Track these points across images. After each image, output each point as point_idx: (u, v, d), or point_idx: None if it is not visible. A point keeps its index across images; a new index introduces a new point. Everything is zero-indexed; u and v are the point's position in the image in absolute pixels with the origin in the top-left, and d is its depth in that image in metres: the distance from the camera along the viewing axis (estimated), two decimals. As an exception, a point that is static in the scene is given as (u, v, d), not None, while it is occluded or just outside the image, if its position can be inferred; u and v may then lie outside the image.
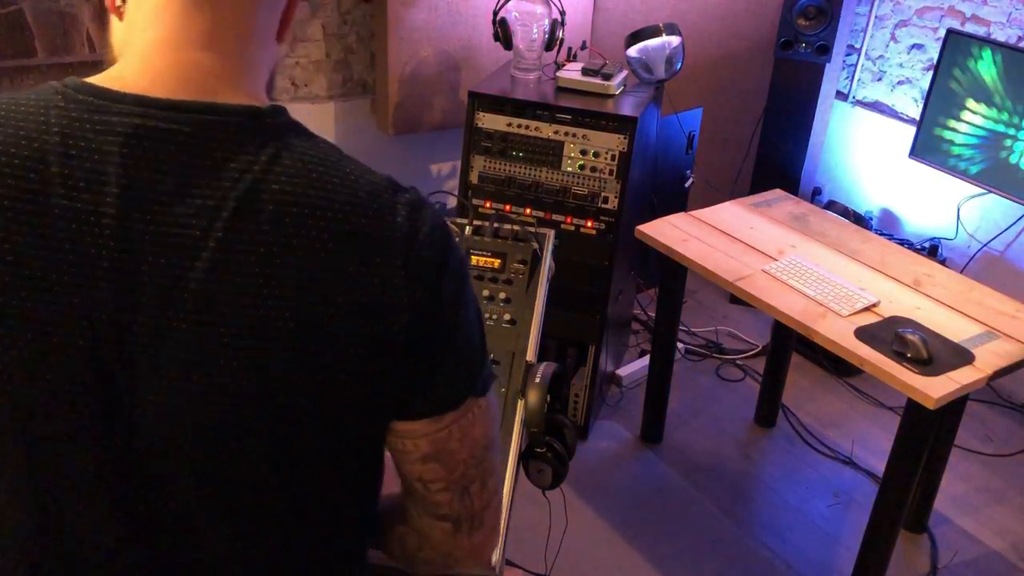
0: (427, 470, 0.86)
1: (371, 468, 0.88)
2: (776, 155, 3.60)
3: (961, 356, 2.06)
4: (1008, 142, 2.91)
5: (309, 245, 0.74)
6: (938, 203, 3.44)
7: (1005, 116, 2.91)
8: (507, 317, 1.51)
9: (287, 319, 0.73)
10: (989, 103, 2.94)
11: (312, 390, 0.76)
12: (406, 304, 0.78)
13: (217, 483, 0.77)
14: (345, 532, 0.89)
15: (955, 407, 2.38)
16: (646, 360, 3.14)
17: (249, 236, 0.73)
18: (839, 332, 2.13)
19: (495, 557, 1.23)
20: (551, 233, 1.63)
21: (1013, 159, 2.91)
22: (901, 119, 3.58)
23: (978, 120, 2.99)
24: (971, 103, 2.99)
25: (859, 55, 3.68)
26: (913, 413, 2.06)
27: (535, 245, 1.59)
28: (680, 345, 3.33)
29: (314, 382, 0.76)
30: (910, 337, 2.04)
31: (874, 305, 2.25)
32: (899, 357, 2.03)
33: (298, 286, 0.73)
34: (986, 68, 2.92)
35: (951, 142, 3.08)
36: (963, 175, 3.06)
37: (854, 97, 3.75)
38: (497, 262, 1.56)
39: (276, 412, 0.76)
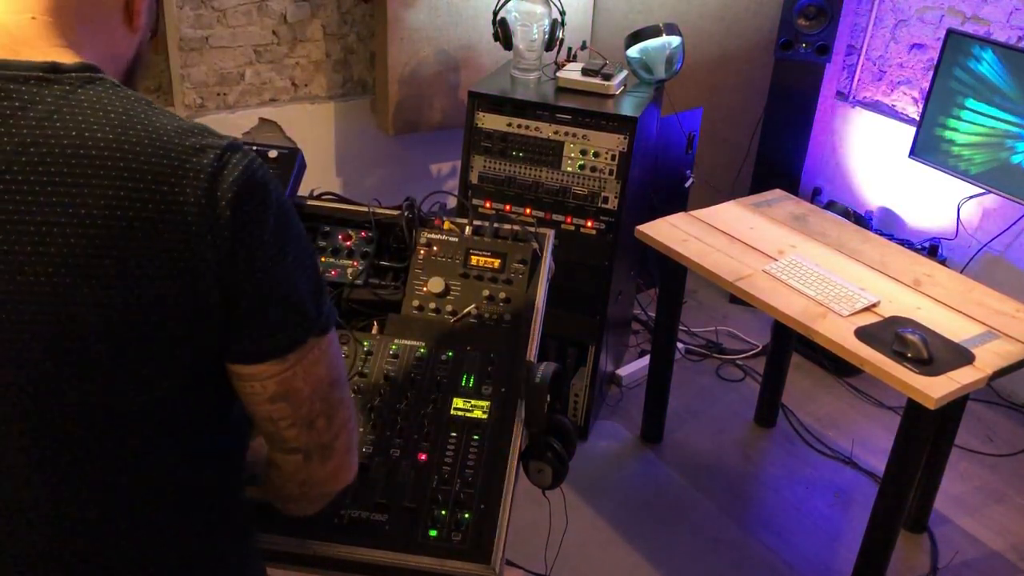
0: (275, 409, 0.91)
1: (215, 415, 0.92)
2: (776, 155, 3.60)
3: (961, 356, 2.06)
4: (1009, 142, 2.91)
5: (101, 189, 0.77)
6: (938, 203, 3.44)
7: (1005, 116, 2.91)
8: (507, 317, 1.51)
9: (79, 263, 0.76)
10: (989, 103, 2.94)
11: (114, 336, 0.79)
12: (213, 251, 0.80)
13: (36, 433, 0.81)
14: (191, 486, 0.92)
15: (955, 407, 2.38)
16: (646, 360, 3.14)
17: (38, 181, 0.76)
18: (839, 332, 2.13)
19: (497, 556, 1.23)
20: (551, 233, 1.63)
21: (1015, 159, 2.90)
22: (901, 119, 3.58)
23: (978, 120, 2.99)
24: (971, 103, 2.99)
25: (859, 55, 3.68)
26: (913, 413, 2.06)
27: (535, 245, 1.59)
28: (680, 345, 3.33)
29: (114, 329, 0.79)
30: (910, 337, 2.04)
31: (874, 305, 2.25)
32: (899, 357, 2.03)
33: (88, 230, 0.76)
34: (986, 68, 2.92)
35: (951, 142, 3.08)
36: (963, 175, 3.06)
37: (854, 97, 3.75)
38: (497, 262, 1.56)
39: (77, 359, 0.79)
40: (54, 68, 0.80)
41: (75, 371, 0.79)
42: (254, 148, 1.71)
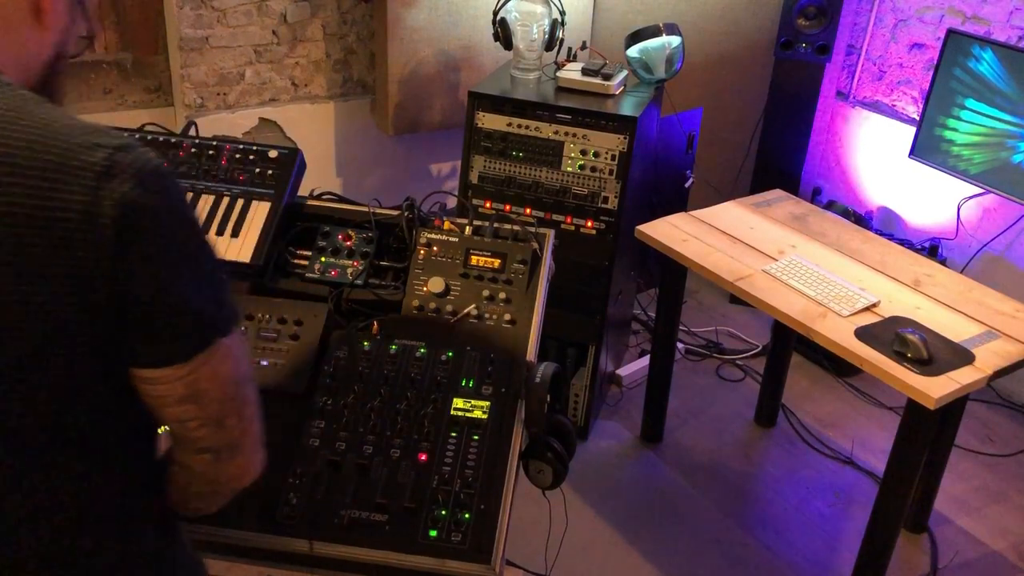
0: (184, 411, 0.91)
1: (122, 424, 0.91)
2: (776, 155, 3.60)
3: (961, 356, 2.06)
4: (1009, 142, 2.91)
5: None
6: (938, 203, 3.44)
7: (1005, 116, 2.91)
8: (507, 317, 1.51)
9: None
10: (990, 103, 2.94)
11: (14, 340, 0.78)
12: (99, 253, 0.79)
13: None
14: (103, 489, 0.91)
15: (955, 407, 2.38)
16: (646, 360, 3.14)
17: None
18: (839, 332, 2.13)
19: (497, 557, 1.23)
20: (551, 233, 1.63)
21: (1015, 159, 2.90)
22: (901, 119, 3.58)
23: (978, 120, 2.99)
24: (971, 103, 2.99)
25: (859, 55, 3.68)
26: (913, 413, 2.06)
27: (535, 245, 1.59)
28: (680, 345, 3.33)
29: (12, 333, 0.78)
30: (910, 337, 2.04)
31: (874, 305, 2.25)
32: (899, 357, 2.03)
33: None
34: (986, 68, 2.92)
35: (951, 142, 3.08)
36: (963, 175, 3.06)
37: (854, 97, 3.75)
38: (497, 262, 1.56)
39: None
40: None
41: None
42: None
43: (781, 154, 3.59)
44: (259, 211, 1.61)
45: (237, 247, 1.56)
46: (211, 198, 1.63)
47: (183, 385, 0.88)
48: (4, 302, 0.77)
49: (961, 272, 2.77)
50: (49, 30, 0.90)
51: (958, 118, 3.04)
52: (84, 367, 0.83)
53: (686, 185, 3.41)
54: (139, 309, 0.83)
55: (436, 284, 1.54)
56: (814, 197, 3.72)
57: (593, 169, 2.64)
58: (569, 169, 2.65)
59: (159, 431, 0.98)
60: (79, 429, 0.86)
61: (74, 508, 0.88)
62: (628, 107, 2.66)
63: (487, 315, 1.51)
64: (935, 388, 1.95)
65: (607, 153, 2.62)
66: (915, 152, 3.19)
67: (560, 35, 2.79)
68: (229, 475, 0.99)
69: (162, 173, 0.83)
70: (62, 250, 0.77)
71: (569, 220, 2.68)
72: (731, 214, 2.72)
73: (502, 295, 1.53)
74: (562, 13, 2.79)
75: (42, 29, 0.89)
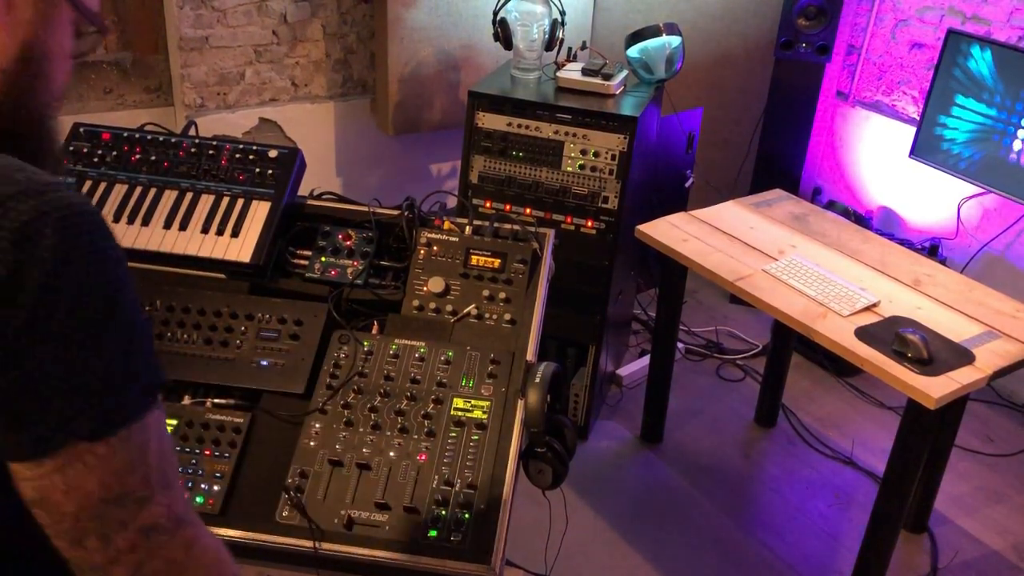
0: (36, 514, 0.73)
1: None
2: (776, 155, 3.60)
3: (961, 356, 2.06)
4: (1008, 141, 2.91)
5: None
6: (938, 203, 3.44)
7: (1005, 116, 2.91)
8: (507, 317, 1.51)
9: None
10: (989, 103, 2.94)
11: None
12: None
13: None
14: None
15: (955, 407, 2.38)
16: (646, 360, 3.14)
17: None
18: (839, 332, 2.13)
19: (497, 557, 1.23)
20: (551, 233, 1.63)
21: (1013, 159, 2.91)
22: (901, 119, 3.58)
23: (978, 120, 2.99)
24: (971, 103, 2.99)
25: (859, 55, 3.68)
26: (913, 413, 2.06)
27: (535, 245, 1.59)
28: (680, 345, 3.33)
29: None
30: (910, 337, 2.04)
31: (874, 305, 2.25)
32: (899, 357, 2.03)
33: None
34: (986, 68, 2.92)
35: (951, 142, 3.08)
36: (963, 175, 3.06)
37: (854, 97, 3.75)
38: (497, 262, 1.56)
39: None
40: None
41: None
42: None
43: (781, 154, 3.59)
44: (259, 211, 1.62)
45: (237, 247, 1.57)
46: (211, 198, 1.63)
47: (31, 488, 0.71)
48: None
49: (961, 272, 2.77)
50: (18, 25, 0.75)
51: (958, 118, 3.04)
52: None
53: (686, 185, 3.41)
54: None
55: (436, 284, 1.54)
56: (814, 197, 3.72)
57: (593, 169, 2.64)
58: (569, 169, 2.65)
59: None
60: None
61: None
62: (628, 107, 2.66)
63: (487, 315, 1.51)
64: (935, 388, 1.95)
65: (607, 153, 2.62)
66: (915, 152, 3.19)
67: (560, 35, 2.79)
68: None
69: (73, 223, 0.69)
70: None
71: (569, 220, 2.68)
72: (731, 214, 2.72)
73: (502, 295, 1.53)
74: (562, 13, 2.79)
75: (9, 24, 0.75)
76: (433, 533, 1.26)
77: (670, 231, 2.59)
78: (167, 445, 0.78)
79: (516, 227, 1.62)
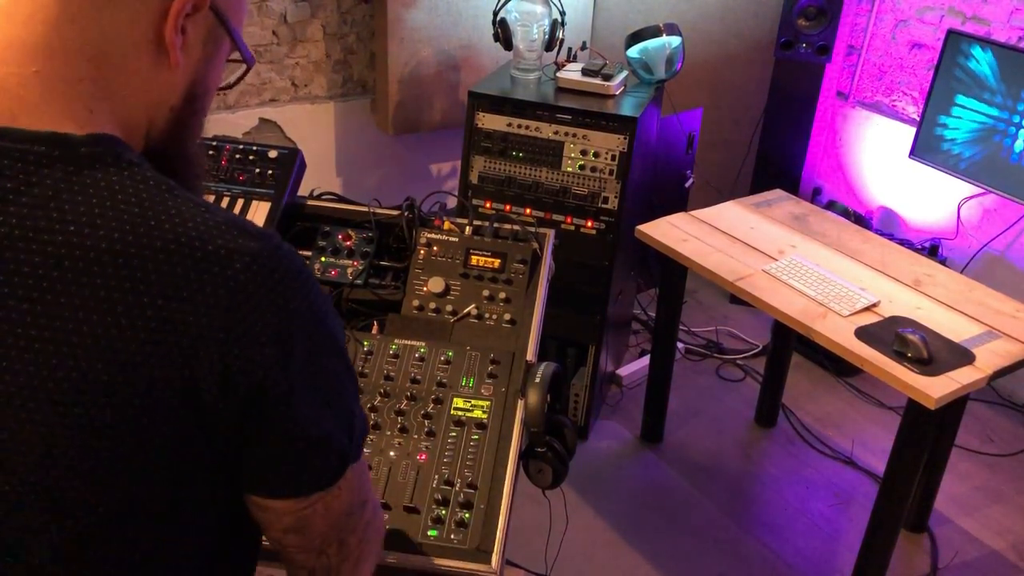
0: (287, 539, 0.83)
1: (224, 545, 0.81)
2: (776, 155, 3.60)
3: (961, 356, 2.06)
4: (1008, 142, 2.91)
5: (95, 299, 0.64)
6: (938, 203, 3.44)
7: (1006, 116, 2.91)
8: (507, 317, 1.51)
9: (64, 378, 0.64)
10: (989, 103, 2.94)
11: (100, 473, 0.66)
12: (224, 382, 0.68)
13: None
14: None
15: (955, 407, 2.38)
16: (646, 360, 3.14)
17: (22, 283, 0.64)
18: (839, 332, 2.13)
19: (497, 557, 1.23)
20: (551, 233, 1.63)
21: (1014, 159, 2.91)
22: (901, 119, 3.58)
23: (978, 120, 2.99)
24: (971, 103, 2.99)
25: (859, 55, 3.68)
26: (913, 413, 2.06)
27: (535, 245, 1.59)
28: (680, 345, 3.33)
29: (101, 465, 0.66)
30: (910, 337, 2.04)
31: (874, 305, 2.25)
32: (899, 357, 2.03)
33: (77, 345, 0.64)
34: (986, 68, 2.92)
35: (952, 142, 3.08)
36: (963, 175, 3.06)
37: (854, 97, 3.75)
38: (497, 262, 1.56)
39: (56, 496, 0.66)
40: (59, 141, 0.66)
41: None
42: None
43: (781, 154, 3.59)
44: (259, 211, 1.62)
45: (237, 247, 1.56)
46: (211, 198, 1.63)
47: (292, 518, 0.80)
48: (102, 445, 0.66)
49: (961, 272, 2.77)
50: (177, 68, 0.74)
51: (958, 118, 3.04)
52: (200, 498, 0.74)
53: (686, 185, 3.42)
54: (260, 440, 0.73)
55: (436, 284, 1.54)
56: (814, 197, 3.72)
57: (593, 169, 2.64)
58: (569, 169, 2.65)
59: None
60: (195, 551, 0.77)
61: None
62: (628, 107, 2.66)
63: (487, 315, 1.51)
64: (935, 388, 1.95)
65: (607, 153, 2.62)
66: (915, 152, 3.19)
67: (560, 35, 2.79)
68: None
69: (308, 285, 0.73)
70: (176, 383, 0.67)
71: (569, 220, 2.68)
72: (731, 214, 2.72)
73: (502, 295, 1.53)
74: (562, 13, 2.79)
75: (169, 68, 0.73)
76: (433, 533, 1.26)
77: (670, 231, 2.59)
78: None
79: (516, 227, 1.62)
